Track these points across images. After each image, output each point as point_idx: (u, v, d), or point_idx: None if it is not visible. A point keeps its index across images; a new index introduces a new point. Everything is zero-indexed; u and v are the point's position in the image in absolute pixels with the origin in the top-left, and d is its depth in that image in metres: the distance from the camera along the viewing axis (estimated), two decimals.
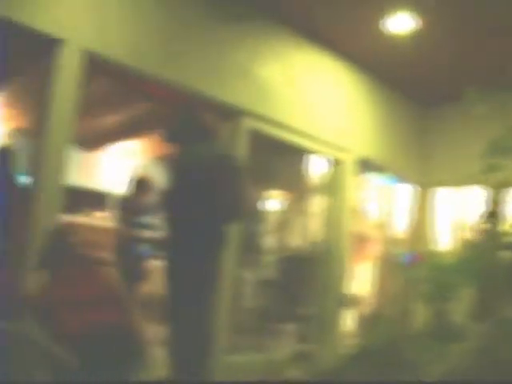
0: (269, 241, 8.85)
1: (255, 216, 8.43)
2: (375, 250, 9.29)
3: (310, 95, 7.24)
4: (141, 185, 7.69)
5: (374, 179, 8.87)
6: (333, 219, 7.65)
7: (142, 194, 7.59)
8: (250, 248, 7.92)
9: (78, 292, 4.14)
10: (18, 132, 9.63)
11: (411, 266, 7.05)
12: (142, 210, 7.52)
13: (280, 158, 8.05)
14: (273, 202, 9.15)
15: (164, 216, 4.62)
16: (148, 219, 7.52)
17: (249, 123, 6.50)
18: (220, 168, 4.50)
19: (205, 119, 4.76)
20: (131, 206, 7.58)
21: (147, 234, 7.49)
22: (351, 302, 7.81)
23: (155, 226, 7.54)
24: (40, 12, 4.91)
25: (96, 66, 5.47)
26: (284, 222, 9.07)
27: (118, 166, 11.58)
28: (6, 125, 9.98)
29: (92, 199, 11.38)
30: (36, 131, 5.17)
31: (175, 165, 4.47)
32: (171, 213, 4.49)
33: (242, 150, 6.32)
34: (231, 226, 4.90)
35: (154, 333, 4.63)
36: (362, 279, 9.19)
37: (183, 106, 5.36)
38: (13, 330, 3.93)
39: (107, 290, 4.37)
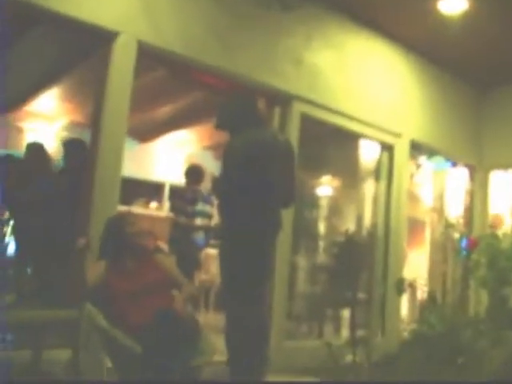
0: (322, 226, 8.83)
1: (309, 201, 8.41)
2: (430, 234, 9.22)
3: (363, 80, 7.23)
4: (194, 174, 7.74)
5: (427, 163, 8.77)
6: (387, 204, 7.62)
7: (195, 183, 7.64)
8: (304, 234, 7.93)
9: (137, 281, 4.22)
10: (75, 126, 9.79)
11: (468, 251, 6.96)
12: (196, 198, 7.57)
13: (333, 144, 8.01)
14: (325, 187, 9.12)
15: (220, 203, 4.64)
16: (203, 207, 7.57)
17: (301, 109, 6.51)
18: (277, 152, 4.52)
19: (258, 105, 4.76)
20: (185, 195, 7.65)
21: (202, 222, 7.54)
22: (407, 287, 7.76)
23: (210, 215, 7.61)
24: (95, 6, 5.00)
25: (150, 58, 5.55)
26: (337, 207, 9.04)
27: (171, 156, 11.68)
28: (63, 119, 10.14)
29: (147, 190, 11.54)
30: (92, 124, 5.26)
31: (231, 150, 4.47)
32: (227, 199, 4.49)
33: (293, 135, 6.33)
34: (286, 210, 4.92)
35: (211, 320, 4.66)
36: (417, 264, 9.13)
37: (236, 92, 5.38)
38: (79, 317, 4.03)
39: (166, 277, 4.44)
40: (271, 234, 4.55)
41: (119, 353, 3.99)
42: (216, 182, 4.70)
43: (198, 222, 7.49)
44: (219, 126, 4.83)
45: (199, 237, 7.50)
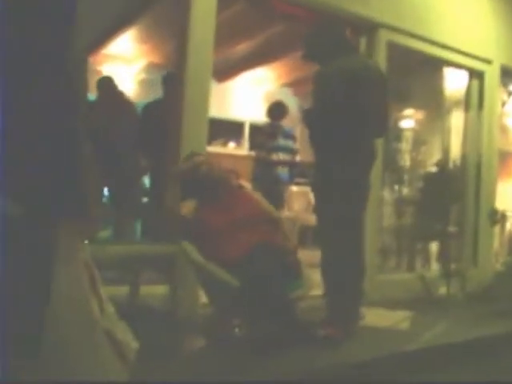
0: (407, 159, 8.66)
1: (394, 134, 8.23)
2: None
3: (451, 5, 6.93)
4: (276, 110, 7.65)
5: None
6: (478, 134, 7.39)
7: (278, 119, 7.55)
8: (390, 167, 7.78)
9: (229, 216, 4.19)
10: (153, 67, 9.77)
11: None
12: (275, 133, 7.49)
13: (419, 74, 7.78)
14: (411, 120, 8.91)
15: (312, 133, 4.52)
16: (284, 142, 7.49)
17: (387, 37, 6.29)
18: (370, 79, 4.37)
19: (345, 33, 4.61)
20: (265, 130, 7.58)
21: (284, 157, 7.46)
22: (499, 218, 7.56)
23: (292, 150, 7.53)
24: None
25: None
26: (423, 139, 8.83)
27: (250, 94, 11.58)
28: (141, 61, 10.14)
29: (226, 129, 11.49)
30: (174, 64, 5.18)
31: (322, 79, 4.34)
32: (321, 129, 4.38)
33: (381, 63, 6.13)
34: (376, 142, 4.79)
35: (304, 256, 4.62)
36: (506, 196, 8.89)
37: (323, 21, 5.21)
38: (175, 252, 4.04)
39: (258, 212, 4.40)
40: (367, 164, 4.44)
41: (215, 287, 3.99)
42: (308, 112, 4.57)
43: (280, 156, 7.40)
44: (307, 57, 4.70)
45: (283, 172, 7.43)
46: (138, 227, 7.09)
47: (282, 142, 7.45)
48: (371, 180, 4.58)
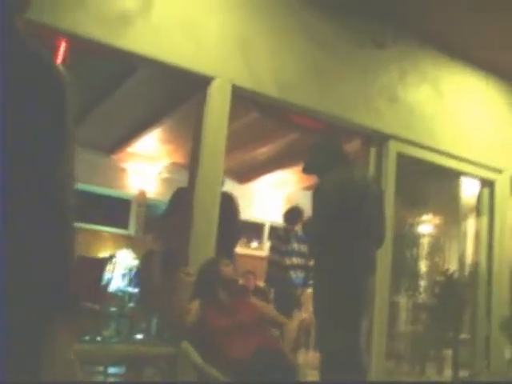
0: (424, 265, 8.71)
1: (409, 240, 8.34)
2: None
3: (460, 115, 7.12)
4: (291, 215, 7.83)
5: None
6: (489, 241, 7.45)
7: (293, 223, 7.72)
8: (405, 273, 7.85)
9: (234, 318, 4.29)
10: (176, 167, 10.06)
11: None
12: (289, 237, 7.65)
13: (432, 181, 7.93)
14: (426, 226, 9.01)
15: (312, 245, 4.69)
16: (298, 246, 7.62)
17: (397, 148, 6.47)
18: (366, 192, 4.54)
19: (342, 147, 4.82)
20: (284, 235, 7.73)
21: (298, 261, 7.58)
22: None
23: (306, 254, 7.64)
24: (192, 53, 5.18)
25: (245, 100, 5.69)
26: (438, 245, 8.90)
27: (271, 196, 11.80)
28: (165, 160, 10.44)
29: (247, 230, 11.66)
30: (190, 165, 5.41)
31: (320, 192, 4.52)
32: (319, 241, 4.53)
33: (390, 175, 6.32)
34: (380, 250, 4.91)
35: (311, 359, 4.67)
36: None
37: (320, 136, 5.46)
38: (176, 353, 4.12)
39: (261, 315, 4.50)
40: (365, 274, 4.55)
41: None
42: (307, 224, 4.76)
43: (293, 260, 7.53)
44: (306, 170, 4.94)
45: (296, 275, 7.54)
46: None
47: (295, 246, 7.59)
48: (371, 289, 4.67)
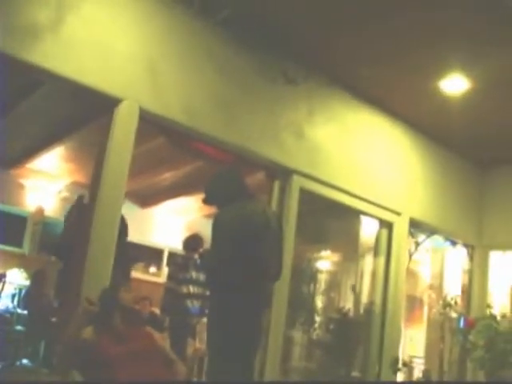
0: (320, 301, 8.78)
1: (307, 275, 8.39)
2: (428, 312, 9.14)
3: (364, 156, 7.25)
4: (192, 242, 7.76)
5: (427, 241, 8.74)
6: (385, 281, 7.56)
7: (193, 251, 7.64)
8: (301, 308, 7.88)
9: (127, 345, 4.19)
10: (77, 186, 9.84)
11: (466, 330, 6.87)
12: (187, 265, 7.57)
13: (332, 218, 8.02)
14: (324, 262, 9.10)
15: (208, 277, 4.65)
16: (196, 275, 7.55)
17: (300, 183, 6.51)
18: (265, 226, 4.52)
19: (243, 179, 4.81)
20: (182, 263, 7.64)
21: (195, 290, 7.50)
22: (404, 365, 7.64)
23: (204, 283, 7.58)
24: (99, 71, 5.08)
25: (151, 125, 5.61)
26: (335, 282, 9.00)
27: (171, 222, 11.71)
28: (66, 178, 10.22)
29: (145, 255, 11.53)
30: (91, 186, 5.29)
31: (219, 224, 4.48)
32: (216, 273, 4.49)
33: (292, 209, 6.34)
34: (276, 284, 4.90)
35: None
36: (414, 342, 9.02)
37: (221, 168, 5.45)
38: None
39: (154, 345, 4.41)
40: (260, 308, 4.53)
41: None
42: (204, 256, 4.72)
43: (190, 289, 7.44)
44: (206, 201, 4.88)
45: (192, 304, 7.45)
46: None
47: (193, 274, 7.51)
48: (265, 323, 4.65)
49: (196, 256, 7.56)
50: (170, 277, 7.72)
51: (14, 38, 4.62)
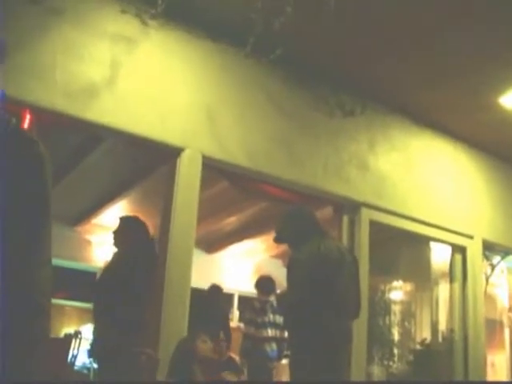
0: (396, 333, 8.61)
1: (381, 307, 8.23)
2: (510, 335, 8.88)
3: (430, 182, 7.14)
4: (265, 285, 7.71)
5: (502, 263, 8.51)
6: (463, 307, 7.37)
7: (266, 294, 7.59)
8: (378, 341, 7.72)
9: None
10: None
11: None
12: (265, 309, 7.51)
13: (402, 248, 7.89)
14: (397, 292, 8.94)
15: (287, 318, 4.57)
16: (273, 318, 7.48)
17: (369, 215, 6.43)
18: (342, 263, 4.44)
19: (315, 217, 4.73)
20: (255, 306, 7.59)
21: (273, 333, 7.43)
22: None
23: (281, 325, 7.49)
24: (160, 124, 5.13)
25: (214, 171, 5.62)
26: (410, 312, 8.82)
27: (239, 266, 11.68)
28: None
29: None
30: (160, 237, 5.28)
31: (295, 264, 4.41)
32: (293, 311, 4.41)
33: (363, 242, 6.24)
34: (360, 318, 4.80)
35: None
36: (497, 368, 8.76)
37: (293, 205, 5.40)
38: None
39: None
40: (342, 346, 4.43)
41: None
42: (282, 297, 4.64)
43: (269, 332, 7.38)
44: (279, 240, 4.81)
45: (271, 348, 7.38)
46: None
47: (271, 317, 7.46)
48: (352, 357, 4.55)
49: (272, 298, 7.51)
50: (247, 321, 7.66)
51: (72, 98, 4.71)
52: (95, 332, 5.52)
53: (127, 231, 5.66)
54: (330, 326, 4.30)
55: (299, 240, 4.52)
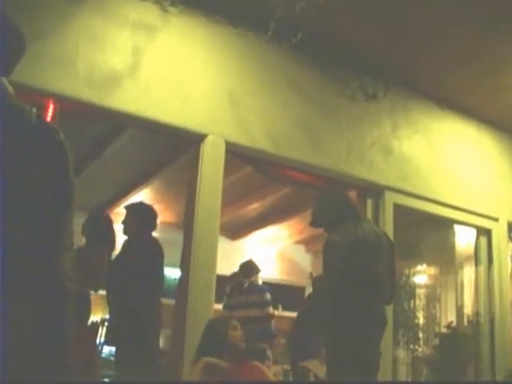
0: (421, 317, 8.58)
1: (405, 292, 8.21)
2: None
3: (454, 164, 7.07)
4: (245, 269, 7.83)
5: None
6: (489, 289, 7.33)
7: (247, 277, 7.68)
8: (404, 326, 7.70)
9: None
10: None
11: None
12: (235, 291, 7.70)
13: (426, 231, 7.85)
14: (421, 276, 8.91)
15: (323, 301, 4.55)
16: (247, 299, 7.57)
17: (393, 199, 6.40)
18: (379, 247, 4.42)
19: (351, 200, 4.71)
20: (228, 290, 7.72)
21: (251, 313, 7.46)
22: None
23: (261, 303, 7.53)
24: (183, 110, 5.14)
25: (238, 156, 5.61)
26: (434, 296, 8.78)
27: (263, 252, 11.66)
28: None
29: None
30: (185, 224, 5.29)
31: (332, 248, 4.38)
32: (328, 295, 4.40)
33: (387, 226, 6.21)
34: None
35: None
36: None
37: (328, 189, 5.36)
38: None
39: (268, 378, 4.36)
40: (379, 331, 4.41)
41: None
42: (318, 281, 4.63)
43: (243, 313, 7.31)
44: (314, 224, 4.78)
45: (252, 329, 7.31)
46: None
47: (242, 298, 7.51)
48: (382, 346, 4.52)
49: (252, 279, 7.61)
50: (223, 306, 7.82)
51: (94, 87, 4.73)
52: (111, 320, 5.63)
53: (132, 219, 5.79)
54: (367, 311, 4.28)
55: (335, 224, 4.48)
